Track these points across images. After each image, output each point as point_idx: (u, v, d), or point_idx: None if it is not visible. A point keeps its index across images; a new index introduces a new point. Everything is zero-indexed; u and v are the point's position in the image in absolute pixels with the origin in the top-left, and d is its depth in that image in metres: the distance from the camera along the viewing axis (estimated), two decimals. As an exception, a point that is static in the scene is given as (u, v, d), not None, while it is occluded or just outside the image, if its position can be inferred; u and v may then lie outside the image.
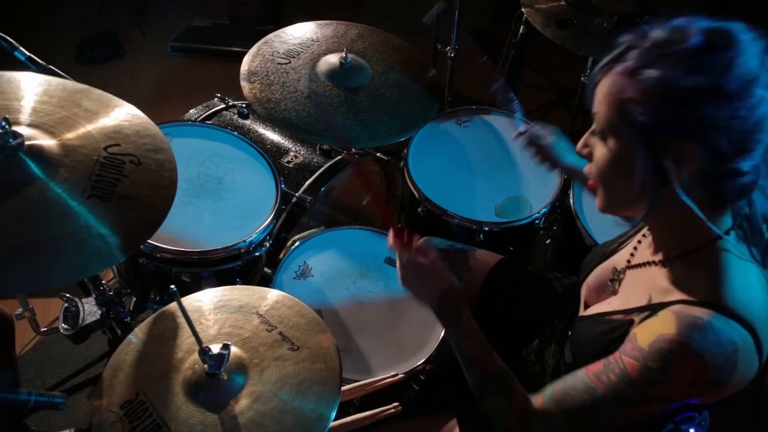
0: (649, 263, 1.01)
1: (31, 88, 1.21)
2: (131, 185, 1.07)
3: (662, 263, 0.98)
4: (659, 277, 0.97)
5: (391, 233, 1.17)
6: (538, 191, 1.84)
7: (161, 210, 1.07)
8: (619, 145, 0.90)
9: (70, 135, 1.10)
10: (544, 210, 1.82)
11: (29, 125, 1.11)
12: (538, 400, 1.00)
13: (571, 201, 1.84)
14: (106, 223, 1.01)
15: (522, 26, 2.19)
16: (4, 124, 0.94)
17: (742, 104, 0.81)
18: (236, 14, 3.68)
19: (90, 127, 1.15)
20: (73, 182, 1.02)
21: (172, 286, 0.92)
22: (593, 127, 0.96)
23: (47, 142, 1.06)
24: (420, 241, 1.17)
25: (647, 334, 0.89)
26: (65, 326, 1.37)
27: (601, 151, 0.94)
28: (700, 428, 1.18)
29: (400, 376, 1.26)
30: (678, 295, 0.91)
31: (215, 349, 1.01)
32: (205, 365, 1.01)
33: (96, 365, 2.15)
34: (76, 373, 2.11)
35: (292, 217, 1.77)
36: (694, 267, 0.92)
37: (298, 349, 1.08)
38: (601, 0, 1.93)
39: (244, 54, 1.80)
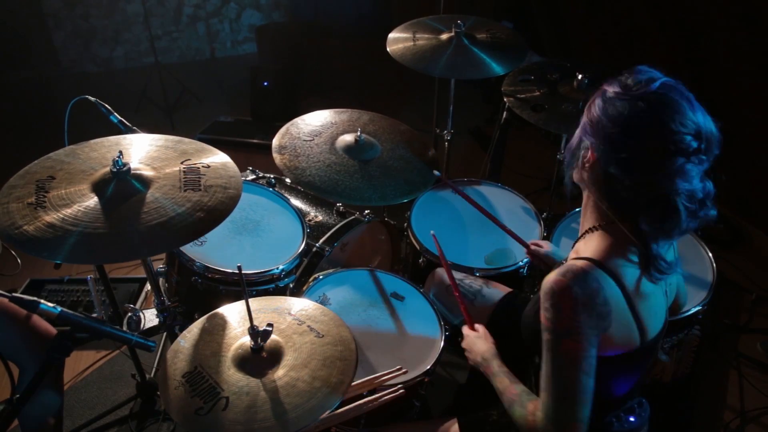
0: (573, 245, 1.33)
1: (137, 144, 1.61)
2: (209, 179, 1.50)
3: (579, 239, 1.30)
4: (574, 249, 1.29)
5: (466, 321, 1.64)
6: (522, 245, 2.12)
7: (236, 188, 1.50)
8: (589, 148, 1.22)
9: (161, 164, 1.50)
10: (526, 260, 2.09)
11: (139, 162, 1.52)
12: (536, 402, 1.24)
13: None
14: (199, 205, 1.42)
15: (505, 113, 2.60)
16: (119, 154, 1.29)
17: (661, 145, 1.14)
18: (258, 112, 4.19)
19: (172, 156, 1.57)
20: (169, 186, 1.42)
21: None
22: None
23: (146, 169, 1.46)
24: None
25: (543, 283, 1.18)
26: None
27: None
28: (639, 418, 1.40)
29: (404, 370, 1.49)
30: (573, 255, 1.22)
31: (261, 326, 1.28)
32: (251, 342, 1.28)
33: (122, 408, 2.32)
34: (104, 415, 2.28)
35: (311, 264, 2.06)
36: (592, 239, 1.24)
37: (322, 337, 1.36)
38: (567, 90, 2.34)
39: (263, 145, 2.16)
